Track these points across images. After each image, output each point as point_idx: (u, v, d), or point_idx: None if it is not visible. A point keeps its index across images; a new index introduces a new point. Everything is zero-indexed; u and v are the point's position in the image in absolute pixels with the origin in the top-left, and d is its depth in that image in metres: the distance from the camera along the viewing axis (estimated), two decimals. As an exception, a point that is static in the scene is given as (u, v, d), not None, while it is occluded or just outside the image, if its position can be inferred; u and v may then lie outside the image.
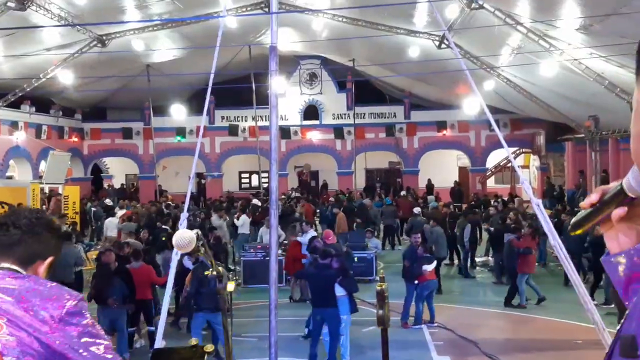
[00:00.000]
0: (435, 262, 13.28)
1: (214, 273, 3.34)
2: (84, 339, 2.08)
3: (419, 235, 13.63)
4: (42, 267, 2.30)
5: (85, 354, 2.06)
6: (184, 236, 3.25)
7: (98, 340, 2.12)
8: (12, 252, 2.23)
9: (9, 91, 24.90)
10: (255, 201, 25.65)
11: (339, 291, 10.16)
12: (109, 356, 2.11)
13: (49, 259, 2.32)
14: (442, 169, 36.21)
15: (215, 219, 20.10)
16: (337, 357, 10.12)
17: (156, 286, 11.69)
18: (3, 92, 25.37)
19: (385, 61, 28.60)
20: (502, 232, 16.19)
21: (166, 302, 3.79)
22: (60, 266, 12.74)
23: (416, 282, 12.46)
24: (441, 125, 35.64)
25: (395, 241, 23.38)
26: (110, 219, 21.46)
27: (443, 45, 23.87)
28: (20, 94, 25.25)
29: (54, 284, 2.18)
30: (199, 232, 3.55)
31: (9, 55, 24.55)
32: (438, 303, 13.64)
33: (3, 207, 21.63)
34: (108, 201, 28.75)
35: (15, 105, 28.46)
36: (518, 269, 14.19)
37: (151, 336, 10.88)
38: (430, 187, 34.62)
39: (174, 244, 3.35)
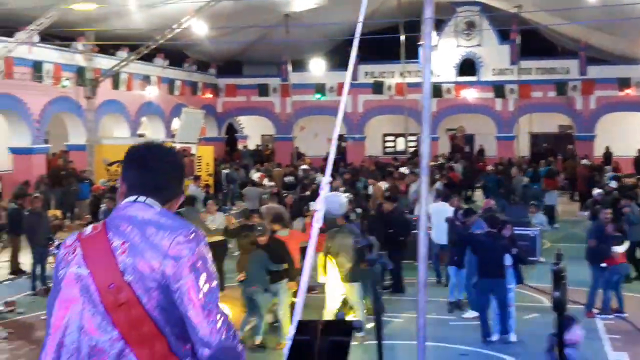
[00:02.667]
0: (627, 244, 12.65)
1: (364, 243, 3.38)
2: (187, 269, 2.47)
3: (609, 210, 13.04)
4: (174, 205, 2.77)
5: (185, 282, 2.46)
6: (335, 200, 3.31)
7: (204, 271, 2.49)
8: (153, 192, 2.66)
9: (142, 43, 26.27)
10: (403, 169, 25.56)
11: (506, 261, 10.60)
12: (210, 282, 2.49)
13: (179, 198, 2.80)
14: (623, 135, 34.21)
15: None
16: (508, 330, 10.63)
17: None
18: (135, 44, 26.83)
19: (557, 6, 27.33)
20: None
21: (307, 271, 3.91)
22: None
23: (604, 265, 11.99)
24: (624, 82, 33.63)
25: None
26: (249, 187, 22.14)
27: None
28: (153, 46, 26.56)
29: (175, 215, 2.66)
30: (351, 196, 3.60)
31: (143, 5, 25.93)
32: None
33: (119, 166, 23.12)
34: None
35: (148, 58, 30.03)
36: None
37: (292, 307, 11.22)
38: (608, 155, 32.95)
39: (326, 207, 3.42)
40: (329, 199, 3.46)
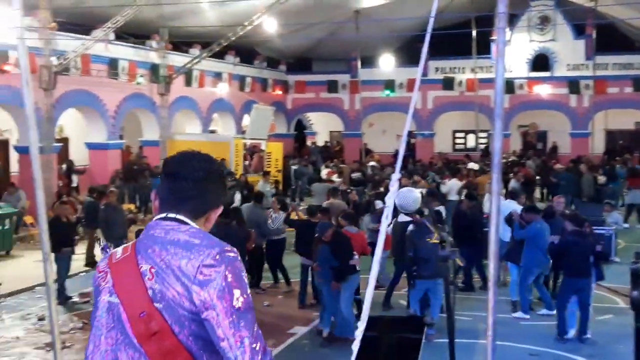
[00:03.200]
0: None
1: (436, 239, 3.35)
2: (215, 296, 2.29)
3: None
4: (212, 217, 2.58)
5: (214, 310, 2.28)
6: (409, 195, 3.29)
7: (237, 293, 2.31)
8: (185, 205, 2.49)
9: (214, 40, 26.66)
10: (472, 165, 25.26)
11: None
12: (243, 307, 2.30)
13: (218, 209, 2.59)
14: None
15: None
16: (587, 331, 10.60)
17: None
18: (208, 42, 27.24)
19: (635, 0, 26.50)
20: None
21: (375, 269, 3.89)
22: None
23: None
24: None
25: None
26: (317, 183, 22.26)
27: None
28: (225, 44, 26.91)
29: (207, 234, 2.45)
30: (424, 192, 3.58)
31: (215, 1, 26.30)
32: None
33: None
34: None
35: (219, 55, 30.45)
36: None
37: (358, 304, 11.24)
38: (688, 154, 31.84)
39: (397, 203, 3.41)
40: (403, 195, 3.44)
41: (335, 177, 23.92)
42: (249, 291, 2.37)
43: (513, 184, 20.46)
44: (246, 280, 2.40)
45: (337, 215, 12.40)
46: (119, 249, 2.53)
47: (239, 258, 2.41)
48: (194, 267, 2.31)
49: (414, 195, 3.19)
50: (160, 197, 2.56)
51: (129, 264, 2.42)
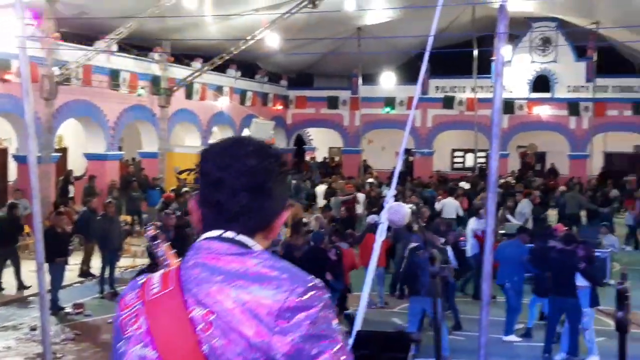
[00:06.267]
0: None
1: (426, 254, 3.36)
2: (308, 345, 1.67)
3: None
4: (278, 225, 1.90)
5: None
6: (399, 210, 3.30)
7: (327, 342, 1.69)
8: (240, 220, 1.81)
9: (216, 54, 26.76)
10: (462, 184, 25.28)
11: (580, 281, 10.48)
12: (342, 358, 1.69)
13: (283, 214, 1.90)
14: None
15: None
16: (577, 353, 10.55)
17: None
18: (210, 55, 27.35)
19: (636, 23, 26.65)
20: None
21: (368, 284, 3.90)
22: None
23: None
24: None
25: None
26: (333, 198, 22.30)
27: None
28: (227, 57, 27.01)
29: (283, 263, 1.79)
30: (415, 207, 3.60)
31: (218, 15, 26.41)
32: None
33: (189, 174, 23.34)
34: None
35: (221, 69, 30.57)
36: None
37: (348, 319, 11.23)
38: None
39: (387, 217, 3.42)
40: (393, 209, 3.45)
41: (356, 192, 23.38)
42: (343, 341, 1.77)
43: (526, 204, 20.15)
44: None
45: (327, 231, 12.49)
46: (155, 277, 1.83)
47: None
48: (274, 310, 1.66)
49: (404, 210, 3.21)
50: (203, 206, 1.85)
51: (173, 303, 1.74)
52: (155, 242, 2.72)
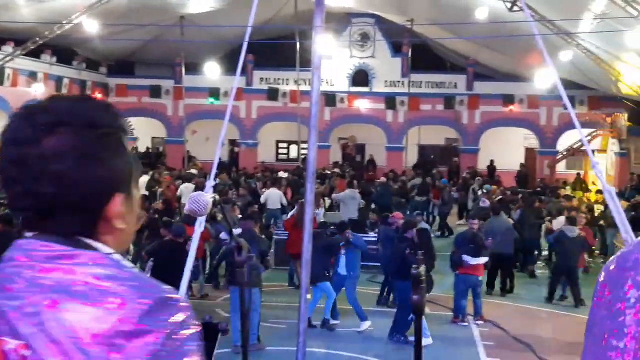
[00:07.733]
0: (485, 259, 12.66)
1: (233, 244, 3.38)
2: None
3: (477, 221, 13.54)
4: (116, 213, 1.37)
5: None
6: (199, 199, 3.29)
7: None
8: (64, 213, 1.31)
9: (29, 38, 25.34)
10: (281, 174, 25.82)
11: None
12: None
13: (121, 197, 1.41)
14: (506, 150, 35.70)
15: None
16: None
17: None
18: (22, 39, 25.83)
19: (447, 21, 28.21)
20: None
21: (186, 275, 3.86)
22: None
23: (456, 272, 12.60)
24: (508, 99, 35.10)
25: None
26: None
27: (516, 8, 23.43)
28: (41, 42, 25.66)
29: (125, 271, 1.28)
30: (217, 197, 3.60)
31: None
32: (492, 300, 13.72)
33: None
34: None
35: (35, 54, 28.97)
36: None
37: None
38: (492, 169, 34.27)
39: (188, 207, 3.40)
40: (192, 199, 3.43)
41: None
42: None
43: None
44: None
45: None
46: None
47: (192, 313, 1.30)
48: (103, 337, 1.19)
49: (205, 199, 3.18)
50: (9, 199, 1.33)
51: None
52: None
